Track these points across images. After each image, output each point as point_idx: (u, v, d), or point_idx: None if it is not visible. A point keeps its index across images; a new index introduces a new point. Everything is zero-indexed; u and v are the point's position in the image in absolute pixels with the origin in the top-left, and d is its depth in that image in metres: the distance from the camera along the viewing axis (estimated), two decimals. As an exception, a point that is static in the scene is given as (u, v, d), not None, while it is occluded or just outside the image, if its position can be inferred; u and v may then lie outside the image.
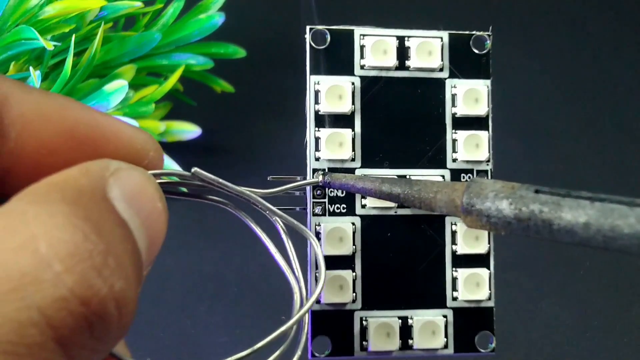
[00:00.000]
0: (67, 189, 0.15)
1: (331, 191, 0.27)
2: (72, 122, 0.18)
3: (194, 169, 0.20)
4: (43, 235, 0.14)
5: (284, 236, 0.23)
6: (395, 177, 0.27)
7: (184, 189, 0.23)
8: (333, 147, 0.27)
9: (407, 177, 0.27)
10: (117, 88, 0.40)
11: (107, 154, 0.18)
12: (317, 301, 0.26)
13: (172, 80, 0.44)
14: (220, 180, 0.21)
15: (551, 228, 0.18)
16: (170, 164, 0.43)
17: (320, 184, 0.27)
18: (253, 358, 0.18)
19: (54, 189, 0.15)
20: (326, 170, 0.27)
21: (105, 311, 0.14)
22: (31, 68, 0.37)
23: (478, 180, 0.21)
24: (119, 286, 0.15)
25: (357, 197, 0.27)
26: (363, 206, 0.27)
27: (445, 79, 0.28)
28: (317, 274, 0.26)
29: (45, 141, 0.18)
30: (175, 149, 0.45)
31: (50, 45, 0.36)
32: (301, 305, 0.21)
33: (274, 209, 0.22)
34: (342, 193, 0.27)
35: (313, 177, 0.27)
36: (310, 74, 0.27)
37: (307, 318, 0.21)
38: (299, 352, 0.20)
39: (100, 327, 0.14)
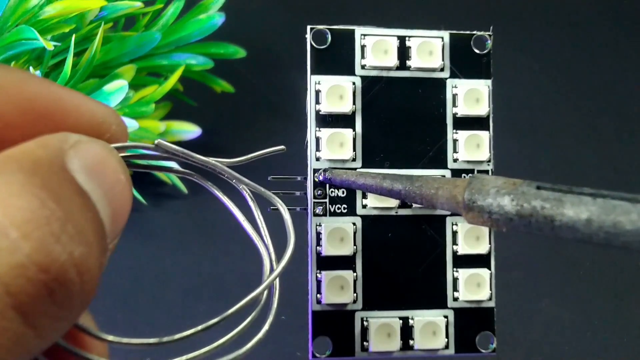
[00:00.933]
0: (24, 160, 0.15)
1: (332, 191, 0.27)
2: (30, 95, 0.18)
3: (157, 140, 0.20)
4: None
5: (251, 204, 0.22)
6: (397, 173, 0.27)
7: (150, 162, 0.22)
8: (334, 147, 0.27)
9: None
10: (117, 88, 0.40)
11: (67, 127, 0.18)
12: (318, 301, 0.26)
13: (172, 80, 0.44)
14: (185, 150, 0.20)
15: (553, 224, 0.18)
16: (170, 164, 0.43)
17: (322, 180, 0.27)
18: (225, 325, 0.18)
19: (10, 160, 0.15)
20: (328, 168, 0.27)
21: (65, 277, 0.14)
22: (31, 68, 0.37)
23: (479, 176, 0.21)
24: (79, 252, 0.14)
25: (358, 197, 0.27)
26: (364, 206, 0.27)
27: (446, 79, 0.28)
28: (316, 275, 0.26)
29: (2, 115, 0.17)
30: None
31: (50, 45, 0.36)
32: (271, 271, 0.21)
33: (241, 177, 0.22)
34: (343, 193, 0.27)
35: (314, 177, 0.27)
36: (311, 73, 0.27)
37: (277, 284, 0.21)
38: (270, 318, 0.20)
39: (62, 294, 0.14)
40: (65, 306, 0.14)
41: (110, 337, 0.18)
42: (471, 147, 0.28)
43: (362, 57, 0.27)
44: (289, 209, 0.23)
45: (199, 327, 0.18)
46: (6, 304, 0.13)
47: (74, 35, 0.38)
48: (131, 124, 0.40)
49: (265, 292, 0.20)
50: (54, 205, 0.14)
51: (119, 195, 0.17)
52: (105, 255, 0.16)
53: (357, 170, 0.27)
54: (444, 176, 0.28)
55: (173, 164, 0.22)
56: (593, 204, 0.17)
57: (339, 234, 0.27)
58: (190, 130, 0.46)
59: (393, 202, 0.27)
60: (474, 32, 0.28)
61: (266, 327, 0.20)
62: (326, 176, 0.26)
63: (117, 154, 0.18)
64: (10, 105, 0.18)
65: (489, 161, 0.28)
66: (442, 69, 0.28)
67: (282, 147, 0.24)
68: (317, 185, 0.27)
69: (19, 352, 0.14)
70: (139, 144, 0.21)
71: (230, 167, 0.22)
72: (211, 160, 0.21)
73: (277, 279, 0.20)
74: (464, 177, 0.28)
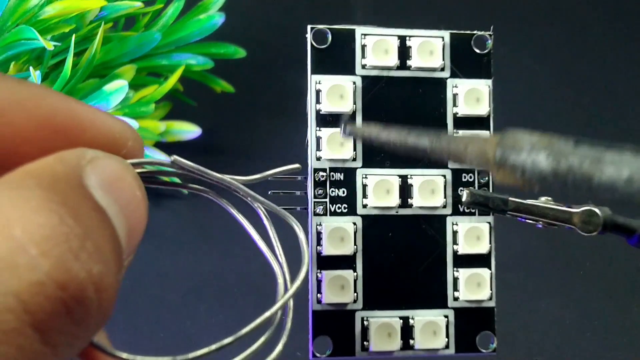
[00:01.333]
0: (42, 176, 0.15)
1: (332, 190, 0.27)
2: (48, 111, 0.18)
3: (173, 157, 0.20)
4: (17, 220, 0.14)
5: (266, 222, 0.22)
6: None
7: (165, 178, 0.23)
8: (334, 146, 0.27)
9: (409, 176, 0.27)
10: (117, 88, 0.40)
11: (84, 143, 0.18)
12: (318, 301, 0.26)
13: (172, 80, 0.44)
14: (201, 167, 0.20)
15: (591, 183, 0.17)
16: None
17: (342, 135, 0.26)
18: (238, 345, 0.18)
19: (29, 175, 0.15)
20: (348, 120, 0.27)
21: (83, 295, 0.14)
22: (31, 68, 0.37)
23: (512, 132, 0.19)
24: (97, 270, 0.14)
25: (359, 196, 0.27)
26: (364, 206, 0.27)
27: (447, 78, 0.28)
28: (317, 275, 0.26)
29: (20, 130, 0.18)
30: (175, 149, 0.45)
31: (50, 45, 0.36)
32: (285, 291, 0.21)
33: (256, 195, 0.22)
34: (344, 193, 0.27)
35: (313, 184, 0.27)
36: (312, 73, 0.27)
37: (291, 304, 0.21)
38: (284, 338, 0.20)
39: (79, 312, 0.14)
40: (83, 324, 0.14)
41: (125, 355, 0.18)
42: (471, 147, 0.28)
43: (363, 56, 0.27)
44: (289, 209, 0.23)
45: (213, 347, 0.18)
46: (24, 322, 0.13)
47: (74, 35, 0.38)
48: (131, 124, 0.40)
49: (279, 312, 0.20)
50: (72, 222, 0.14)
51: (134, 212, 0.17)
52: (121, 273, 0.16)
53: (380, 126, 0.25)
54: (444, 176, 0.28)
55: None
56: (635, 162, 0.16)
57: (339, 234, 0.27)
58: (190, 130, 0.46)
59: (394, 202, 0.27)
60: (475, 32, 0.28)
61: (280, 347, 0.20)
62: (347, 131, 0.25)
63: (133, 170, 0.18)
64: (29, 120, 0.18)
65: (490, 161, 0.28)
66: (442, 69, 0.28)
67: (298, 165, 0.24)
68: (318, 185, 0.27)
69: None
70: (155, 160, 0.21)
71: (246, 184, 0.22)
72: (227, 177, 0.21)
73: (291, 299, 0.20)
74: (465, 177, 0.28)
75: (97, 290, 0.14)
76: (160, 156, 0.43)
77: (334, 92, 0.27)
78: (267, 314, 0.19)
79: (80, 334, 0.15)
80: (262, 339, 0.19)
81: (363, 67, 0.27)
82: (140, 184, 0.18)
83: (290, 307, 0.21)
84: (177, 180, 0.22)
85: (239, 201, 0.22)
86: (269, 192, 0.25)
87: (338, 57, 0.27)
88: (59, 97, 0.18)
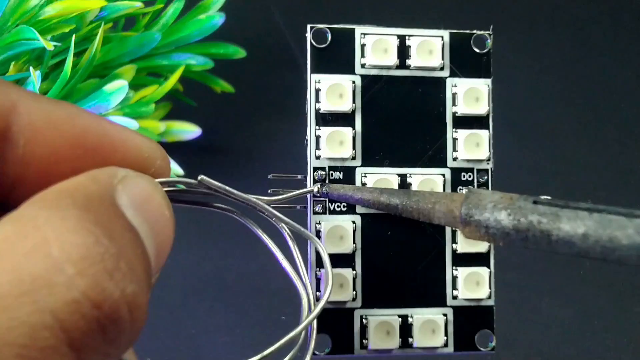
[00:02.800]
0: (76, 195, 0.15)
1: (332, 189, 0.27)
2: (80, 131, 0.18)
3: (201, 177, 0.20)
4: (55, 239, 0.14)
5: (290, 242, 0.23)
6: (394, 188, 0.27)
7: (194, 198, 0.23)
8: (333, 145, 0.27)
9: (408, 175, 0.27)
10: (117, 88, 0.40)
11: (114, 162, 0.18)
12: (317, 299, 0.26)
13: (172, 80, 0.44)
14: (227, 187, 0.21)
15: (550, 239, 0.18)
16: (170, 164, 0.43)
17: (318, 194, 0.27)
18: None
19: (64, 194, 0.15)
20: (326, 182, 0.27)
21: (118, 314, 0.14)
22: (31, 68, 0.37)
23: (476, 191, 0.21)
24: (131, 289, 0.15)
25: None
26: (363, 205, 0.27)
27: (446, 78, 0.28)
28: (316, 273, 0.26)
29: (53, 149, 0.18)
30: (175, 149, 0.45)
31: (50, 46, 0.36)
32: (309, 311, 0.21)
33: (281, 215, 0.23)
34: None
35: (313, 182, 0.27)
36: (311, 72, 0.27)
37: (315, 325, 0.21)
38: (307, 358, 0.20)
39: (113, 331, 0.14)
40: (115, 343, 0.15)
41: None
42: (471, 146, 0.28)
43: (362, 56, 0.27)
44: (289, 207, 0.23)
45: None
46: (61, 340, 0.13)
47: (74, 36, 0.38)
48: (131, 124, 0.40)
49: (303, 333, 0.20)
50: (107, 242, 0.15)
51: (163, 231, 0.18)
52: (149, 293, 0.16)
53: (354, 185, 0.27)
54: (443, 175, 0.28)
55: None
56: (589, 219, 0.17)
57: (338, 232, 0.27)
58: (190, 130, 0.46)
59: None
60: (474, 32, 0.28)
61: None
62: (324, 191, 0.26)
63: (162, 190, 0.18)
64: (63, 139, 0.18)
65: (489, 160, 0.28)
66: (442, 68, 0.28)
67: (315, 189, 0.24)
68: (317, 183, 0.27)
69: None
70: (183, 179, 0.21)
71: (270, 205, 0.22)
72: (252, 198, 0.22)
73: (315, 320, 0.21)
74: (464, 175, 0.28)
75: (130, 310, 0.15)
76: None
77: (333, 91, 0.27)
78: (292, 333, 0.20)
79: (113, 352, 0.15)
80: (287, 358, 0.19)
81: (362, 66, 0.27)
82: (168, 203, 0.18)
83: (314, 328, 0.21)
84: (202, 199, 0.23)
85: (261, 219, 0.23)
86: (269, 191, 0.25)
87: (337, 57, 0.27)
88: (91, 117, 0.19)
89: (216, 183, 0.21)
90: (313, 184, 0.27)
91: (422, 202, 0.23)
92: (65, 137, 0.18)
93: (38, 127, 0.18)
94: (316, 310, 0.20)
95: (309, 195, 0.27)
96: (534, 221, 0.18)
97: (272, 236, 0.23)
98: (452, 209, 0.21)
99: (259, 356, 0.18)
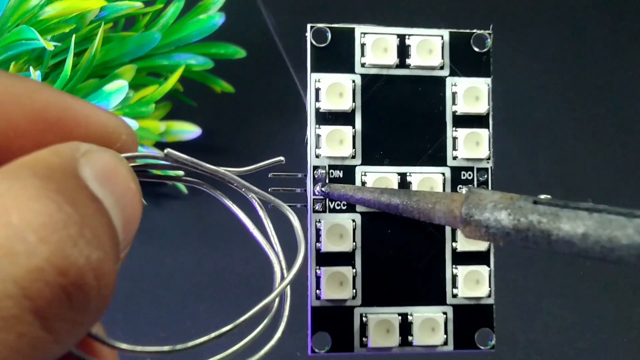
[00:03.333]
0: (37, 167, 0.15)
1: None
2: (41, 105, 0.18)
3: (167, 150, 0.20)
4: (15, 207, 0.14)
5: (261, 212, 0.23)
6: (395, 188, 0.27)
7: (158, 172, 0.23)
8: (333, 144, 0.27)
9: (408, 174, 0.27)
10: (117, 88, 0.40)
11: (78, 137, 0.18)
12: (317, 297, 0.26)
13: (172, 80, 0.44)
14: (194, 160, 0.21)
15: (550, 239, 0.18)
16: (179, 173, 0.43)
17: (320, 195, 0.27)
18: (236, 333, 0.18)
19: (25, 166, 0.15)
20: (326, 181, 0.27)
21: (83, 281, 0.14)
22: (31, 68, 0.37)
23: (476, 190, 0.21)
24: (96, 256, 0.14)
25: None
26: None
27: (446, 77, 0.28)
28: (316, 271, 0.26)
29: (14, 123, 0.18)
30: (175, 149, 0.45)
31: (50, 46, 0.36)
32: (282, 279, 0.21)
33: (250, 185, 0.22)
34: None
35: (313, 181, 0.27)
36: (311, 71, 0.27)
37: (288, 292, 0.21)
38: (282, 326, 0.20)
39: (80, 298, 0.14)
40: (83, 311, 0.14)
41: (124, 346, 0.18)
42: (470, 145, 0.28)
43: (362, 55, 0.28)
44: (289, 206, 0.23)
45: (212, 335, 0.18)
46: (25, 308, 0.13)
47: (74, 36, 0.38)
48: (131, 124, 0.40)
49: (277, 300, 0.20)
50: (70, 210, 0.14)
51: (130, 204, 0.17)
52: (118, 264, 0.16)
53: (355, 185, 0.27)
54: (443, 174, 0.28)
55: (182, 173, 0.22)
56: (589, 219, 0.17)
57: (338, 231, 0.27)
58: (190, 130, 0.46)
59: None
60: (474, 31, 0.28)
61: (278, 334, 0.20)
62: (324, 191, 0.27)
63: (127, 163, 0.18)
64: (23, 114, 0.18)
65: (489, 159, 0.28)
66: (441, 67, 0.28)
67: (281, 158, 0.24)
68: (317, 182, 0.27)
69: (36, 358, 0.14)
70: (149, 153, 0.21)
71: (240, 175, 0.22)
72: (221, 169, 0.21)
73: (288, 287, 0.21)
74: (463, 174, 0.28)
75: (96, 277, 0.14)
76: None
77: (333, 90, 0.27)
78: (265, 301, 0.19)
79: (80, 320, 0.15)
80: (260, 326, 0.19)
81: (362, 65, 0.28)
82: (134, 177, 0.18)
83: (288, 295, 0.21)
84: (170, 173, 0.22)
85: (235, 194, 0.23)
86: (269, 190, 0.25)
87: (337, 56, 0.27)
88: (53, 91, 0.19)
89: (183, 156, 0.20)
90: (313, 184, 0.27)
91: (423, 202, 0.23)
92: (26, 111, 0.18)
93: None
94: (288, 277, 0.20)
95: (309, 194, 0.27)
96: (534, 221, 0.18)
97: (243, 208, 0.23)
98: (452, 208, 0.21)
99: (231, 325, 0.18)
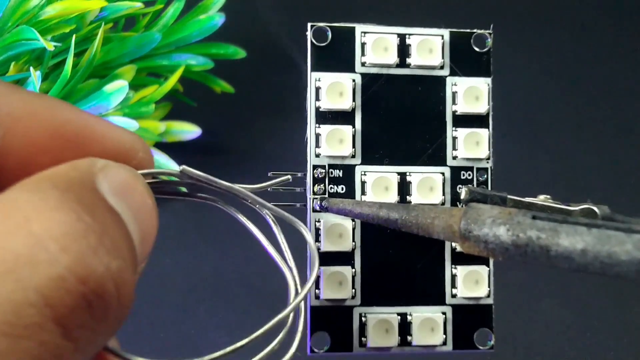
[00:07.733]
0: (57, 180, 0.15)
1: (331, 187, 0.27)
2: (60, 122, 0.18)
3: (182, 167, 0.20)
4: (36, 217, 0.14)
5: (274, 228, 0.23)
6: (394, 202, 0.27)
7: (177, 188, 0.23)
8: (333, 143, 0.27)
9: (407, 174, 0.27)
10: (117, 88, 0.40)
11: (95, 153, 0.18)
12: (317, 297, 0.26)
13: (172, 80, 0.44)
14: (209, 176, 0.21)
15: (549, 254, 0.18)
16: (170, 164, 0.43)
17: (318, 208, 0.27)
18: (251, 347, 0.18)
19: (45, 179, 0.15)
20: (326, 196, 0.27)
21: (104, 289, 0.14)
22: (31, 68, 0.37)
23: (475, 206, 0.21)
24: (115, 265, 0.15)
25: (357, 193, 0.27)
26: (363, 203, 0.27)
27: (446, 76, 0.28)
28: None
29: (33, 140, 0.18)
30: (175, 149, 0.45)
31: (50, 46, 0.37)
32: (296, 294, 0.21)
33: (264, 202, 0.23)
34: (342, 189, 0.27)
35: (312, 181, 0.27)
36: (311, 70, 0.27)
37: (302, 306, 0.21)
38: (296, 341, 0.20)
39: (100, 306, 0.14)
40: (103, 319, 0.15)
41: (139, 359, 0.18)
42: (470, 145, 0.28)
43: (362, 54, 0.28)
44: (288, 205, 0.23)
45: (228, 349, 0.18)
46: (46, 316, 0.13)
47: (74, 36, 0.38)
48: (131, 124, 0.40)
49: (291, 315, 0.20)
50: (89, 219, 0.15)
51: (146, 219, 0.18)
52: (136, 276, 0.16)
53: (354, 200, 0.27)
54: (443, 173, 0.28)
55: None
56: (588, 234, 0.17)
57: (337, 230, 0.27)
58: (190, 130, 0.46)
59: (392, 199, 0.27)
60: (474, 30, 0.28)
61: (293, 349, 0.20)
62: (323, 204, 0.27)
63: (143, 179, 0.18)
64: (42, 130, 0.18)
65: (488, 159, 0.28)
66: (442, 67, 0.28)
67: (292, 176, 0.24)
68: (317, 181, 0.27)
69: None
70: (165, 170, 0.21)
71: (254, 192, 0.22)
72: (235, 186, 0.22)
73: (303, 302, 0.21)
74: (463, 174, 0.28)
75: (116, 285, 0.15)
76: (161, 156, 0.43)
77: (333, 89, 0.27)
78: (280, 316, 0.20)
79: (101, 329, 0.15)
80: (276, 340, 0.20)
81: (363, 64, 0.28)
82: (150, 193, 0.18)
83: (302, 310, 0.21)
84: (185, 189, 0.23)
85: (247, 209, 0.23)
86: (269, 189, 0.25)
87: (338, 55, 0.27)
88: (71, 109, 0.19)
89: (198, 172, 0.21)
90: (312, 194, 0.27)
91: (421, 217, 0.23)
92: (45, 128, 0.18)
93: (17, 117, 0.18)
94: (303, 292, 0.20)
95: (308, 194, 0.27)
96: (533, 237, 0.18)
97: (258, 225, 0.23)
98: (451, 224, 0.21)
99: (247, 340, 0.18)
